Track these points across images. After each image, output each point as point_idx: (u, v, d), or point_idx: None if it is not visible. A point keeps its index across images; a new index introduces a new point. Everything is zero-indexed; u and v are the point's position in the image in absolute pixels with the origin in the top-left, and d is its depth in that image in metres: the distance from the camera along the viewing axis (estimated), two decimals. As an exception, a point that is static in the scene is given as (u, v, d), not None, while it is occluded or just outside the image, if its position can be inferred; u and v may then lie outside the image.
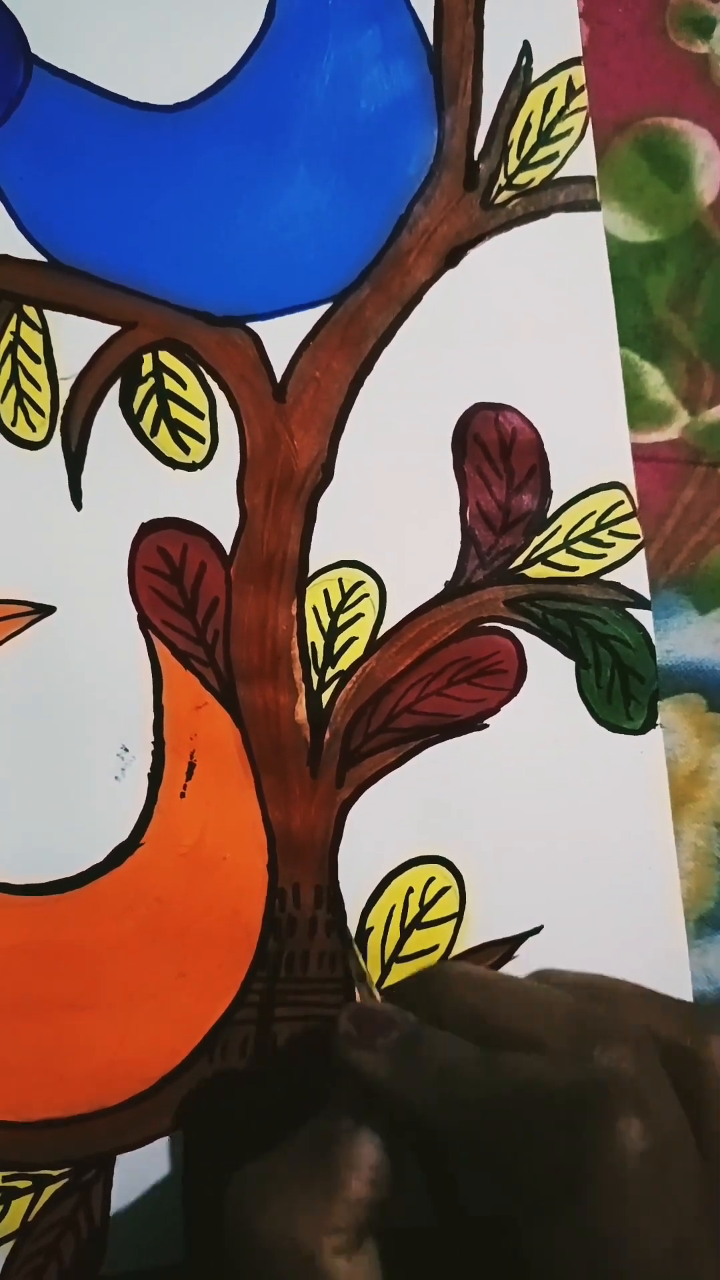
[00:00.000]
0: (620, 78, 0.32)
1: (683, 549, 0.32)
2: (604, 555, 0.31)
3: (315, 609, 0.30)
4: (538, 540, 0.31)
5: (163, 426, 0.30)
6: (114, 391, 0.30)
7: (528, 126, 0.31)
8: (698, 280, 0.32)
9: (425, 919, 0.30)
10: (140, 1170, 0.29)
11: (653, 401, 0.32)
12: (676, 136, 0.32)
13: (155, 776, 0.30)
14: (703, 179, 0.32)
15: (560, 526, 0.31)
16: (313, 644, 0.30)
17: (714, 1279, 0.22)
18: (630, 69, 0.32)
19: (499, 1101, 0.23)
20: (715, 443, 0.32)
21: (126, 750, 0.29)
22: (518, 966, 0.30)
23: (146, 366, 0.30)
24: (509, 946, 0.30)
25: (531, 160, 0.31)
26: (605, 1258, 0.21)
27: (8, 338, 0.29)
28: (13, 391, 0.29)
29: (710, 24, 0.32)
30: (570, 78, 0.31)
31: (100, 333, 0.30)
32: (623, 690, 0.31)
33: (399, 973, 0.30)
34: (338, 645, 0.30)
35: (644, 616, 0.31)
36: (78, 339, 0.29)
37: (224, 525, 0.30)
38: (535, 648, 0.31)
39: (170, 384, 0.30)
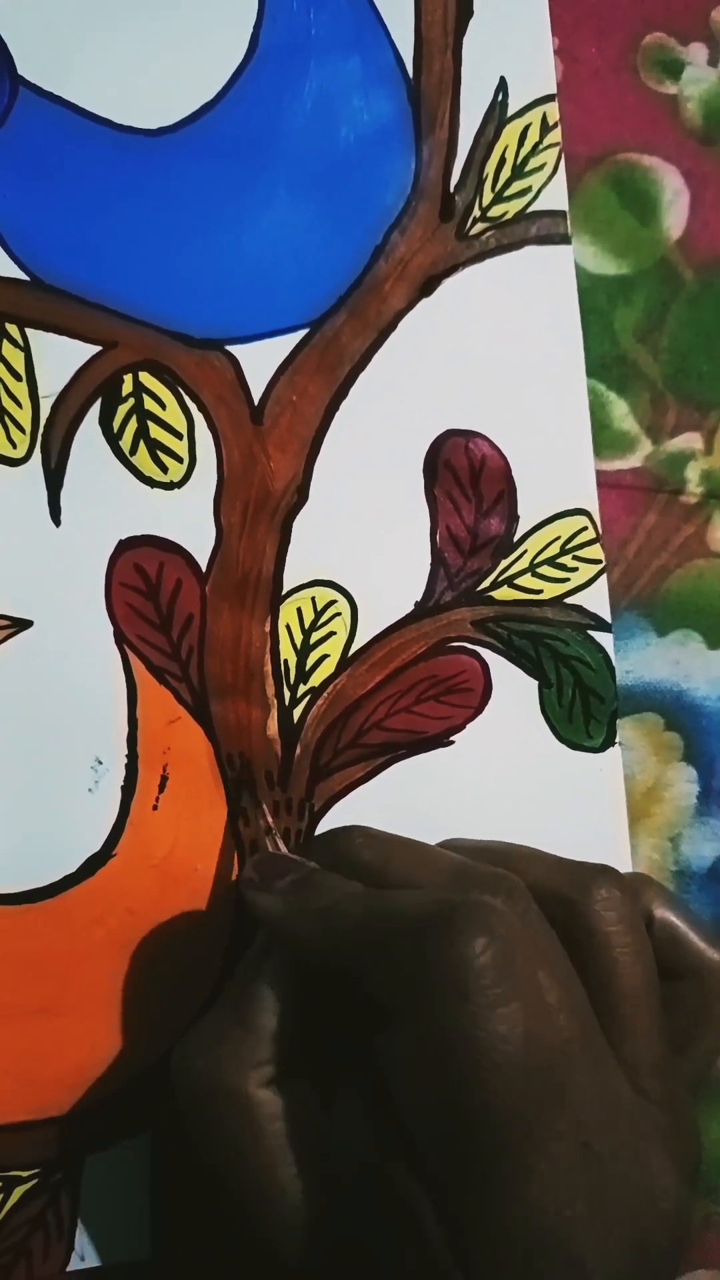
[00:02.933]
0: (593, 114, 0.33)
1: (644, 573, 0.33)
2: (567, 579, 0.32)
3: (288, 626, 0.31)
4: (504, 563, 0.32)
5: (141, 446, 0.30)
6: (94, 410, 0.30)
7: (503, 160, 0.32)
8: (664, 313, 0.33)
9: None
10: (109, 1170, 0.30)
11: (617, 430, 0.33)
12: (646, 173, 0.33)
13: (128, 789, 0.30)
14: (670, 215, 0.33)
15: (526, 550, 0.32)
16: (285, 661, 0.31)
17: (586, 1088, 0.23)
18: (603, 106, 0.33)
19: (366, 928, 0.24)
20: (676, 471, 0.33)
21: (100, 763, 0.30)
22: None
23: (127, 386, 0.30)
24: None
25: (505, 194, 0.32)
26: (453, 1056, 0.22)
27: (-11, 355, 0.30)
28: (-7, 408, 0.30)
29: (679, 66, 0.33)
30: (545, 114, 0.32)
31: (81, 352, 0.30)
32: (583, 709, 0.32)
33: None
34: (310, 662, 0.31)
35: (605, 639, 0.32)
36: (59, 358, 0.30)
37: (200, 543, 0.31)
38: (500, 667, 0.32)
39: (150, 404, 0.30)
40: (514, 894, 0.24)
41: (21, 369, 0.30)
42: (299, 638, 0.31)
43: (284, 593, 0.31)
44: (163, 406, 0.30)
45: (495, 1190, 0.22)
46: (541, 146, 0.32)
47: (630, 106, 0.33)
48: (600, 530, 0.32)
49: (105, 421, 0.30)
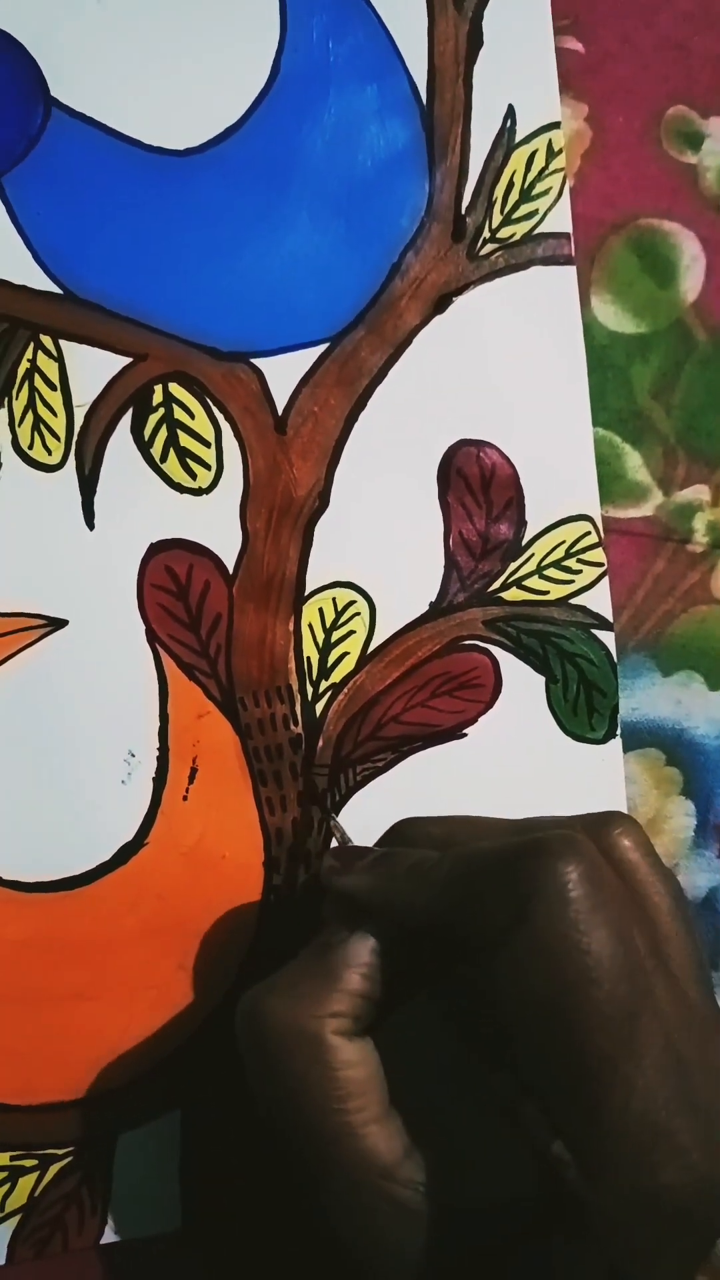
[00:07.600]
0: (618, 180, 0.35)
1: (651, 616, 0.35)
2: (572, 581, 0.34)
3: (311, 626, 0.33)
4: (513, 566, 0.34)
5: (171, 453, 0.32)
6: (126, 419, 0.31)
7: (510, 184, 0.34)
8: (677, 372, 0.35)
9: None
10: (139, 1147, 0.32)
11: (631, 481, 0.35)
12: (666, 238, 0.35)
13: (159, 780, 0.32)
14: (687, 279, 0.35)
15: (533, 554, 0.34)
16: (308, 658, 0.33)
17: (663, 995, 0.24)
18: (627, 173, 0.35)
19: (459, 874, 0.26)
20: (685, 521, 0.35)
21: (133, 755, 0.31)
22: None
23: (157, 397, 0.32)
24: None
25: (514, 216, 0.34)
26: (560, 964, 0.24)
27: (25, 365, 0.31)
28: (30, 416, 0.31)
29: (699, 138, 0.35)
30: (550, 140, 0.34)
31: (113, 363, 0.31)
32: (587, 703, 0.34)
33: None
34: (331, 659, 0.33)
35: (606, 637, 0.34)
36: (92, 368, 0.31)
37: (227, 547, 0.32)
38: (510, 664, 0.34)
39: (179, 414, 0.32)
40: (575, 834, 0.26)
41: (56, 379, 0.31)
42: (321, 636, 0.33)
43: (306, 594, 0.33)
44: (191, 416, 0.32)
45: (606, 1093, 0.23)
46: (547, 171, 0.34)
47: (652, 174, 0.35)
48: (602, 534, 0.34)
49: (137, 430, 0.32)
